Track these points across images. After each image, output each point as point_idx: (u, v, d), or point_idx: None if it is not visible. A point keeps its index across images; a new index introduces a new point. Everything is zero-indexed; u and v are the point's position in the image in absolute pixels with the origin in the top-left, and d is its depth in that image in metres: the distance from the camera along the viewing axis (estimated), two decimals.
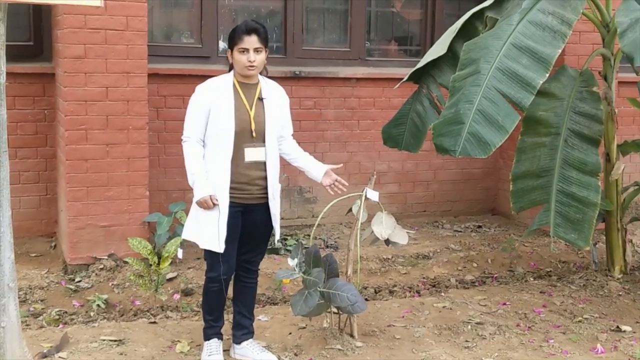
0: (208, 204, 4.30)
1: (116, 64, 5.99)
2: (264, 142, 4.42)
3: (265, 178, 4.45)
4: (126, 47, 6.01)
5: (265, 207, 4.51)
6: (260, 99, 4.43)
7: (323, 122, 7.51)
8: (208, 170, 4.33)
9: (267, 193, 4.48)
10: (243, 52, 4.31)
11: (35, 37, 6.77)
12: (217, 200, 4.30)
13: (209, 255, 4.43)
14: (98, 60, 5.95)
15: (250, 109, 4.38)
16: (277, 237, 4.68)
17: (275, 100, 4.52)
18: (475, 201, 8.29)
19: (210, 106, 4.31)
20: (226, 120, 4.30)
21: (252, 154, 4.38)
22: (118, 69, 6.00)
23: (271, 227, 4.59)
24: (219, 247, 4.34)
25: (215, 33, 7.15)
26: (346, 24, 7.76)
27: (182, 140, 4.40)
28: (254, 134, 4.38)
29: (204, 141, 4.37)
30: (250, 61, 4.32)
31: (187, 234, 4.51)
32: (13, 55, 6.58)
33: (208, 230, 4.35)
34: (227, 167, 4.32)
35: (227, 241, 4.35)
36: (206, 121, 4.33)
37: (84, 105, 5.95)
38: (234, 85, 4.40)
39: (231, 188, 4.34)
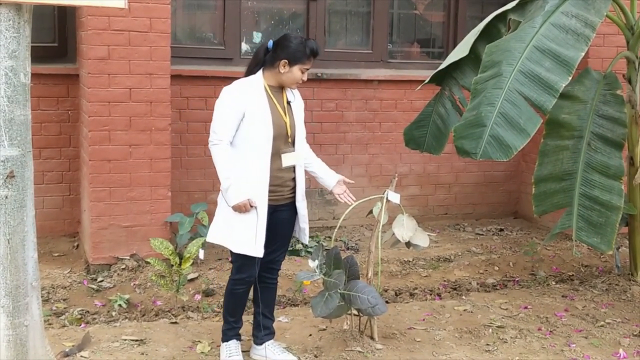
0: (247, 208, 4.27)
1: (139, 66, 6.03)
2: (294, 146, 4.45)
3: (294, 179, 4.48)
4: (149, 49, 6.04)
5: (291, 207, 4.53)
6: (289, 103, 4.46)
7: (345, 124, 7.51)
8: (243, 173, 4.29)
9: (294, 193, 4.50)
10: (304, 71, 4.38)
11: (60, 39, 6.83)
12: (255, 203, 4.30)
13: (240, 257, 4.40)
14: (122, 62, 5.99)
15: (285, 115, 4.40)
16: (307, 237, 4.68)
17: (298, 103, 4.57)
18: (497, 204, 8.26)
19: (245, 110, 4.28)
20: (265, 125, 4.29)
21: (289, 159, 4.41)
22: (141, 70, 6.04)
23: (293, 227, 4.60)
24: (257, 251, 4.34)
25: (238, 35, 7.17)
26: (368, 26, 7.76)
27: (210, 142, 4.33)
28: (289, 139, 4.42)
29: (231, 144, 4.36)
30: (303, 80, 4.41)
31: (216, 237, 4.46)
32: (38, 56, 6.64)
33: (244, 234, 4.33)
34: (266, 172, 4.31)
35: None
36: (238, 124, 4.31)
37: (107, 106, 5.99)
38: (265, 88, 4.39)
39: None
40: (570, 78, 5.07)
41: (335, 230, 5.14)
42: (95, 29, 5.91)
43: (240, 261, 4.42)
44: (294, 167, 4.48)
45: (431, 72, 6.01)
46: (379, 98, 7.60)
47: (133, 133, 6.08)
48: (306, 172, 4.67)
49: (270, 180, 4.35)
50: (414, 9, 8.12)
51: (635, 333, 5.23)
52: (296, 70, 4.35)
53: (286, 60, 4.33)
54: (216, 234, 4.47)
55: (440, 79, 5.95)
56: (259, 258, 4.40)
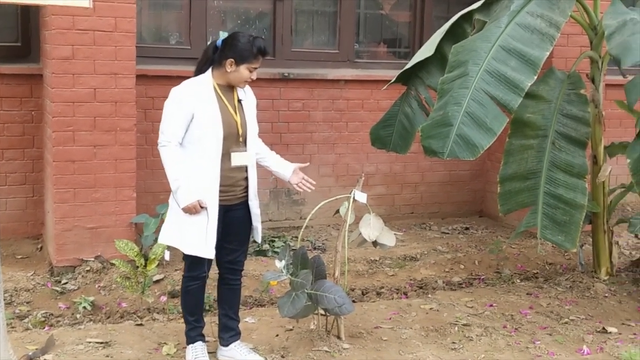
0: (197, 210, 4.26)
1: (104, 65, 5.97)
2: (246, 145, 4.42)
3: (246, 179, 4.46)
4: (114, 49, 5.99)
5: (245, 206, 4.51)
6: (239, 102, 4.43)
7: (311, 123, 7.51)
8: (193, 174, 4.28)
9: (247, 192, 4.48)
10: (252, 70, 4.33)
11: (23, 38, 6.74)
12: (205, 204, 4.28)
13: (191, 257, 4.39)
14: (86, 62, 5.93)
15: (235, 114, 4.37)
16: (259, 235, 4.66)
17: (250, 100, 4.54)
18: (463, 203, 8.31)
19: (194, 110, 4.25)
20: (214, 125, 4.26)
21: (238, 159, 4.38)
22: (106, 70, 5.98)
23: (250, 226, 4.58)
24: (208, 252, 4.33)
25: (204, 34, 7.13)
26: (335, 25, 7.77)
27: (159, 143, 4.30)
28: (240, 139, 4.39)
29: (181, 145, 4.32)
30: (252, 79, 4.37)
31: (167, 239, 4.46)
32: (0, 56, 6.59)
33: (194, 235, 4.31)
34: (216, 172, 4.29)
35: None
36: (187, 125, 4.27)
37: (71, 106, 5.93)
38: (215, 88, 4.36)
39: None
40: (535, 77, 5.12)
41: (302, 230, 5.13)
42: (59, 28, 5.84)
43: (190, 260, 4.41)
44: (246, 167, 4.45)
45: (397, 72, 6.03)
46: (345, 98, 7.61)
47: (98, 133, 6.02)
48: (262, 166, 4.65)
49: (222, 181, 4.32)
50: (380, 9, 8.14)
51: (598, 329, 5.30)
52: (243, 70, 4.30)
53: (233, 60, 4.28)
54: (167, 235, 4.45)
55: (406, 78, 5.98)
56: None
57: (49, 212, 6.28)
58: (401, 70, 5.93)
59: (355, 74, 7.64)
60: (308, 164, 4.89)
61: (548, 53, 5.21)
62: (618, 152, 6.30)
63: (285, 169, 4.68)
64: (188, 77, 6.73)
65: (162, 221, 6.09)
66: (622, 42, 5.16)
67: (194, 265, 4.42)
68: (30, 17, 6.68)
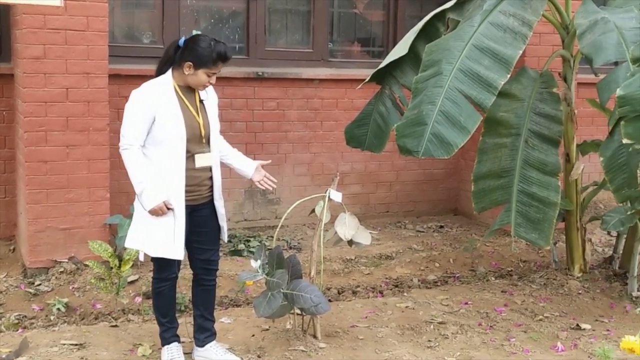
0: (163, 211, 4.23)
1: (76, 65, 5.93)
2: (209, 145, 4.41)
3: (211, 178, 4.44)
4: (87, 48, 5.95)
5: (211, 205, 4.49)
6: (201, 102, 4.41)
7: (286, 123, 7.50)
8: (157, 176, 4.23)
9: (212, 192, 4.47)
10: (211, 75, 4.29)
11: None
12: (171, 205, 4.25)
13: (159, 258, 4.37)
14: (58, 61, 5.88)
15: (197, 115, 4.34)
16: (225, 235, 4.65)
17: (212, 99, 4.51)
18: (438, 201, 8.34)
19: (155, 113, 4.21)
20: (176, 127, 4.23)
21: (202, 160, 4.36)
22: (78, 69, 5.93)
23: (217, 224, 4.56)
24: (176, 254, 4.30)
25: (177, 34, 7.09)
26: (309, 25, 7.76)
27: (120, 147, 4.26)
28: (203, 140, 4.37)
29: (143, 147, 4.28)
30: (211, 83, 4.33)
31: (134, 242, 4.42)
32: None
33: (161, 237, 4.29)
34: (181, 174, 4.26)
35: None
36: (149, 128, 4.23)
37: (43, 106, 5.88)
38: (176, 90, 4.32)
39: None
40: (508, 76, 5.15)
41: (277, 229, 5.12)
42: (30, 27, 5.79)
43: (160, 261, 4.39)
44: (210, 167, 4.43)
45: (371, 71, 6.04)
46: (320, 97, 7.61)
47: (70, 133, 5.97)
48: (224, 164, 4.63)
49: (187, 181, 4.30)
50: (354, 8, 8.15)
51: (572, 326, 5.34)
52: (201, 74, 4.25)
53: (191, 63, 4.23)
54: (134, 239, 4.42)
55: (380, 77, 5.99)
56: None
57: (22, 213, 6.22)
58: (375, 70, 5.94)
59: (329, 73, 7.65)
60: (270, 161, 4.88)
61: (521, 52, 5.25)
62: (590, 150, 6.36)
63: (247, 166, 4.68)
64: None
65: None
66: (594, 41, 5.21)
67: (162, 266, 4.40)
68: (0, 16, 6.61)
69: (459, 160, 8.15)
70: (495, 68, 5.15)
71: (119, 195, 6.62)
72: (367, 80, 6.01)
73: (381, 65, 5.88)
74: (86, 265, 5.79)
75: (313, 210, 4.93)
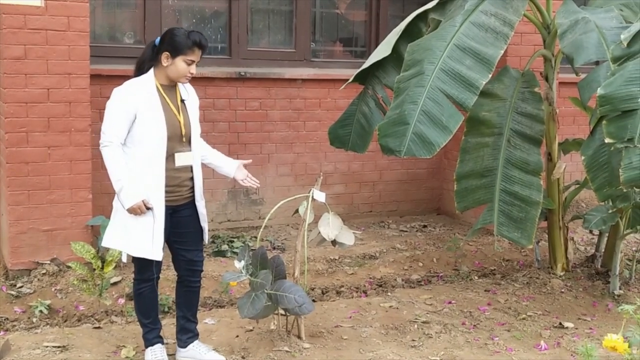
0: (142, 210, 4.21)
1: (58, 65, 5.89)
2: (190, 144, 4.40)
3: (192, 179, 4.44)
4: (68, 48, 5.91)
5: (192, 205, 4.49)
6: (183, 101, 4.41)
7: (269, 123, 7.49)
8: (137, 175, 4.23)
9: (193, 192, 4.46)
10: (189, 63, 4.29)
11: None
12: (150, 204, 4.24)
13: (139, 259, 4.36)
14: (39, 61, 5.84)
15: (178, 114, 4.34)
16: (207, 236, 4.64)
17: (193, 99, 4.52)
18: (421, 201, 8.36)
19: (137, 111, 4.21)
20: (157, 126, 4.23)
21: (182, 159, 4.36)
22: (60, 70, 5.90)
23: (199, 223, 4.55)
24: (155, 254, 4.29)
25: (159, 34, 6.96)
26: (291, 24, 7.76)
27: (100, 144, 4.25)
28: (184, 139, 4.36)
29: (123, 144, 4.27)
30: (191, 73, 4.32)
31: (111, 242, 4.40)
32: None
33: (140, 237, 4.27)
34: (161, 173, 4.26)
35: None
36: (130, 126, 4.23)
37: (24, 107, 5.84)
38: (157, 88, 4.32)
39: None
40: (490, 75, 5.17)
41: (261, 230, 5.11)
42: (10, 27, 5.75)
43: (140, 263, 4.38)
44: (191, 167, 4.43)
45: (354, 71, 6.05)
46: (302, 97, 7.60)
47: (52, 134, 5.93)
48: (205, 165, 4.63)
49: (167, 181, 4.30)
50: (336, 8, 8.15)
51: (555, 325, 5.37)
52: (179, 62, 4.27)
53: (168, 53, 4.26)
54: (112, 239, 4.40)
55: (363, 78, 5.99)
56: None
57: (3, 215, 6.17)
58: (358, 70, 5.94)
59: (312, 73, 7.65)
60: (251, 160, 4.88)
61: (502, 51, 5.27)
62: (572, 149, 6.41)
63: (229, 165, 4.68)
64: None
65: None
66: (575, 41, 5.24)
67: (143, 268, 4.39)
68: None
69: (441, 159, 8.17)
70: (477, 68, 5.16)
71: (102, 197, 6.57)
72: (350, 80, 6.01)
73: (364, 66, 5.88)
74: (69, 267, 5.76)
75: (297, 211, 4.93)
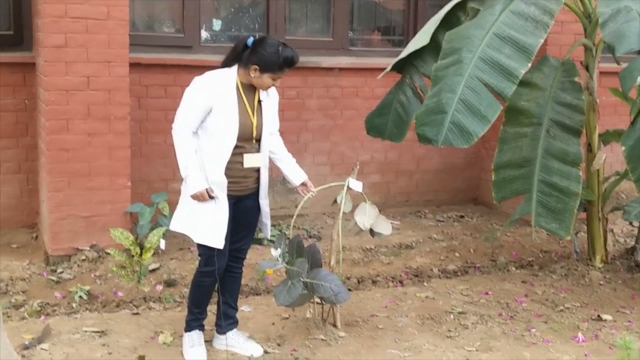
0: (204, 197, 4.26)
1: (97, 54, 5.95)
2: (259, 146, 4.43)
3: (258, 170, 4.46)
4: (107, 37, 5.96)
5: (255, 195, 4.52)
6: (260, 102, 4.42)
7: (306, 112, 7.49)
8: (204, 165, 4.28)
9: (258, 184, 4.49)
10: (275, 79, 4.33)
11: (16, 26, 6.70)
12: (213, 192, 4.27)
13: (206, 249, 4.38)
14: (79, 50, 5.90)
15: (253, 115, 4.35)
16: (269, 233, 4.69)
17: (272, 100, 4.53)
18: (458, 191, 8.31)
19: (213, 104, 4.24)
20: (230, 123, 4.26)
21: (250, 161, 4.39)
22: (99, 58, 5.95)
23: (258, 214, 4.59)
24: (217, 242, 4.32)
25: (197, 23, 7.11)
26: (329, 13, 7.74)
27: (173, 128, 4.30)
28: (254, 141, 4.39)
29: (195, 133, 4.32)
30: (275, 86, 4.39)
31: (179, 225, 4.45)
32: None
33: (205, 224, 4.31)
34: (223, 168, 4.28)
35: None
36: (204, 116, 4.27)
37: (65, 94, 5.91)
38: (237, 86, 4.34)
39: (228, 182, 4.32)
40: (529, 65, 5.11)
41: (294, 218, 5.09)
42: (52, 16, 5.81)
43: (208, 253, 4.39)
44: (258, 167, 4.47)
45: (391, 60, 6.02)
46: (340, 86, 7.59)
47: (91, 122, 6.00)
48: (274, 164, 4.65)
49: (233, 172, 4.32)
50: None
51: (593, 317, 5.32)
52: (266, 78, 4.29)
53: (257, 67, 4.26)
54: (179, 223, 4.45)
55: (401, 66, 5.97)
56: (227, 251, 4.40)
57: (44, 201, 6.26)
58: (396, 59, 5.92)
59: (349, 61, 7.62)
60: (315, 192, 4.78)
61: (542, 40, 5.21)
62: (612, 140, 6.31)
63: (296, 177, 4.71)
64: (181, 66, 6.78)
65: (158, 210, 6.14)
66: (616, 30, 5.16)
67: (211, 259, 4.38)
68: (22, 6, 6.64)
69: (479, 149, 8.11)
70: (516, 57, 5.11)
71: (140, 184, 6.66)
72: (387, 69, 5.99)
73: (402, 55, 5.86)
74: (107, 253, 5.83)
75: (335, 200, 4.92)
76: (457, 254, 6.76)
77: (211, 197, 4.28)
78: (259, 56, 4.25)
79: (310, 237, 6.87)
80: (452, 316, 5.25)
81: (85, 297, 5.56)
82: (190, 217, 4.37)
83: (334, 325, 4.93)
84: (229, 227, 4.35)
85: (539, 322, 5.21)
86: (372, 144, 7.59)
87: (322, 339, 4.76)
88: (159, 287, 5.69)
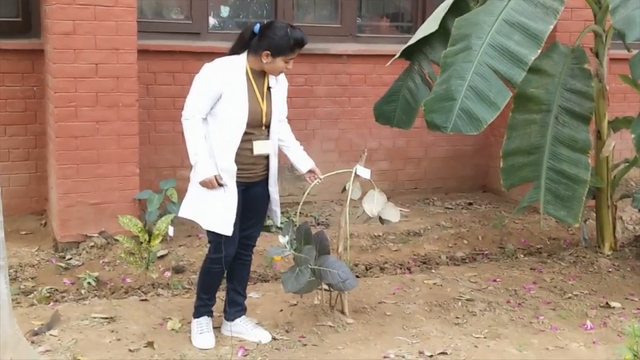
0: (213, 184, 4.27)
1: (105, 41, 5.94)
2: (268, 132, 4.43)
3: (267, 157, 4.47)
4: (115, 24, 5.96)
5: (264, 183, 4.53)
6: (269, 89, 4.42)
7: (314, 99, 7.48)
8: (214, 151, 4.29)
9: (267, 171, 4.50)
10: (288, 61, 4.32)
11: (24, 13, 6.70)
12: (222, 179, 4.28)
13: (215, 236, 4.38)
14: (87, 37, 5.90)
15: (262, 101, 4.35)
16: (279, 219, 4.70)
17: (281, 86, 4.53)
18: (466, 178, 8.29)
19: (223, 91, 4.24)
20: (240, 110, 4.26)
21: (260, 147, 4.39)
22: (107, 45, 5.95)
23: (268, 201, 4.59)
24: (227, 229, 4.32)
25: (205, 9, 7.09)
26: (337, 0, 7.71)
27: (182, 115, 4.32)
28: (263, 127, 4.39)
29: (205, 120, 4.33)
30: (288, 69, 4.37)
31: (187, 212, 4.45)
32: (1, 31, 6.56)
33: (214, 211, 4.32)
34: (233, 154, 4.29)
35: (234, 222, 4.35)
36: (213, 103, 4.27)
37: (73, 82, 5.91)
38: (247, 72, 4.34)
39: (237, 169, 4.32)
40: (539, 51, 5.08)
41: (300, 204, 5.08)
42: (59, 3, 5.81)
43: (217, 240, 4.39)
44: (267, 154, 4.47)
45: (400, 47, 6.00)
46: (348, 73, 7.57)
47: (100, 109, 6.00)
48: (282, 152, 4.65)
49: (242, 159, 4.33)
50: None
51: (601, 304, 5.31)
52: (279, 62, 4.30)
53: (269, 52, 4.26)
54: (188, 209, 4.46)
55: (409, 53, 5.94)
56: (236, 238, 4.40)
57: (53, 188, 6.28)
58: (405, 46, 5.89)
59: (358, 48, 7.60)
60: (322, 179, 4.78)
61: (552, 27, 5.17)
62: (622, 127, 6.27)
63: (304, 164, 4.70)
64: (189, 52, 6.77)
65: (166, 197, 6.15)
66: (627, 16, 5.12)
67: (220, 246, 4.38)
68: None
69: (488, 136, 8.08)
70: (526, 43, 5.08)
71: (149, 171, 6.66)
72: (396, 56, 5.96)
73: (411, 41, 5.83)
74: (116, 240, 5.84)
75: (344, 188, 4.91)
76: (465, 241, 6.75)
77: (220, 184, 4.28)
78: (269, 40, 4.25)
79: (318, 224, 6.88)
80: (460, 303, 5.25)
81: (93, 283, 5.58)
82: (199, 203, 4.38)
83: (342, 312, 4.94)
84: (238, 214, 4.35)
85: (547, 310, 5.21)
86: (380, 131, 7.58)
87: (330, 326, 4.76)
88: (167, 274, 5.70)
